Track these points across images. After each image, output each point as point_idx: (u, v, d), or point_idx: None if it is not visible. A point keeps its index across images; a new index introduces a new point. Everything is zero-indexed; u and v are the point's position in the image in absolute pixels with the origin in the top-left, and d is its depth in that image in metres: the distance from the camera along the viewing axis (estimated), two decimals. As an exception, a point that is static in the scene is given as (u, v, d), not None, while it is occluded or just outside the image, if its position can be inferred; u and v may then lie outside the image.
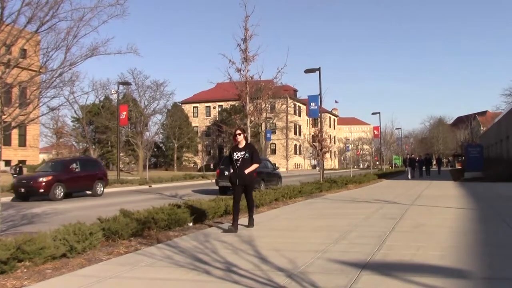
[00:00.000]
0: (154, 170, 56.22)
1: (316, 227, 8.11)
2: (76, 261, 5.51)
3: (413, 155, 40.05)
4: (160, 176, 34.21)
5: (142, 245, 6.50)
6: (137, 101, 52.12)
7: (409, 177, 30.30)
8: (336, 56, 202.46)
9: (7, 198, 16.88)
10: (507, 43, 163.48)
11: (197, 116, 78.85)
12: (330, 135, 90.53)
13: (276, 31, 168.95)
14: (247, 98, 12.33)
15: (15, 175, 26.93)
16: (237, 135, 7.81)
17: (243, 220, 8.22)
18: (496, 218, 9.01)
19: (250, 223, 8.05)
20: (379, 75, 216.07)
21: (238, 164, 7.68)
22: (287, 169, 63.48)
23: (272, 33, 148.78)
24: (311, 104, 22.79)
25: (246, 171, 7.59)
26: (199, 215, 8.72)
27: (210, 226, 8.41)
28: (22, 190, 17.31)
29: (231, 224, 7.75)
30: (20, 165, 29.55)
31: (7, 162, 38.59)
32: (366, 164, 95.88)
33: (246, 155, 7.67)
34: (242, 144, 7.81)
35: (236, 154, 7.73)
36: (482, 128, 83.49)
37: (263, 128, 59.01)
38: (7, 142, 38.44)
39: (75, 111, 53.75)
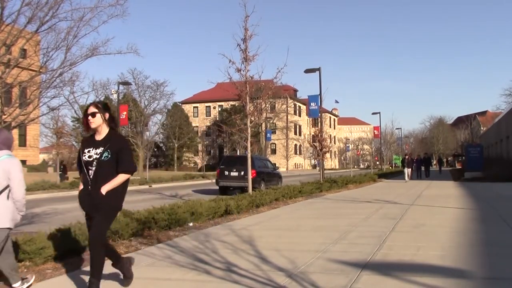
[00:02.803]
0: (154, 170, 56.19)
1: (317, 227, 8.10)
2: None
3: (410, 154, 36.57)
4: (160, 176, 34.18)
5: (143, 245, 6.50)
6: (137, 101, 52.09)
7: (406, 179, 27.05)
8: (336, 56, 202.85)
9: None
10: (507, 43, 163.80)
11: (197, 116, 78.88)
12: (330, 135, 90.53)
13: (276, 31, 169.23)
14: (247, 98, 12.31)
15: (61, 173, 27.15)
16: (90, 116, 4.01)
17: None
18: (496, 218, 9.01)
19: None
20: (379, 75, 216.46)
21: (90, 173, 3.97)
22: (287, 169, 63.46)
23: (272, 33, 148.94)
24: (311, 104, 22.80)
25: (104, 189, 3.88)
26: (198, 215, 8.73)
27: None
28: None
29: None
30: (64, 162, 29.40)
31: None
32: (366, 164, 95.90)
33: (105, 154, 3.94)
34: (102, 133, 4.08)
35: (88, 152, 4.01)
36: (482, 128, 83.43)
37: (263, 128, 59.02)
38: (7, 142, 38.43)
39: (75, 111, 53.64)
